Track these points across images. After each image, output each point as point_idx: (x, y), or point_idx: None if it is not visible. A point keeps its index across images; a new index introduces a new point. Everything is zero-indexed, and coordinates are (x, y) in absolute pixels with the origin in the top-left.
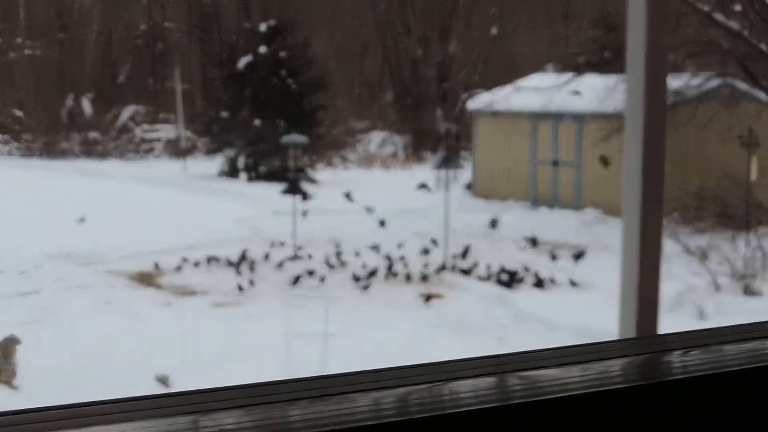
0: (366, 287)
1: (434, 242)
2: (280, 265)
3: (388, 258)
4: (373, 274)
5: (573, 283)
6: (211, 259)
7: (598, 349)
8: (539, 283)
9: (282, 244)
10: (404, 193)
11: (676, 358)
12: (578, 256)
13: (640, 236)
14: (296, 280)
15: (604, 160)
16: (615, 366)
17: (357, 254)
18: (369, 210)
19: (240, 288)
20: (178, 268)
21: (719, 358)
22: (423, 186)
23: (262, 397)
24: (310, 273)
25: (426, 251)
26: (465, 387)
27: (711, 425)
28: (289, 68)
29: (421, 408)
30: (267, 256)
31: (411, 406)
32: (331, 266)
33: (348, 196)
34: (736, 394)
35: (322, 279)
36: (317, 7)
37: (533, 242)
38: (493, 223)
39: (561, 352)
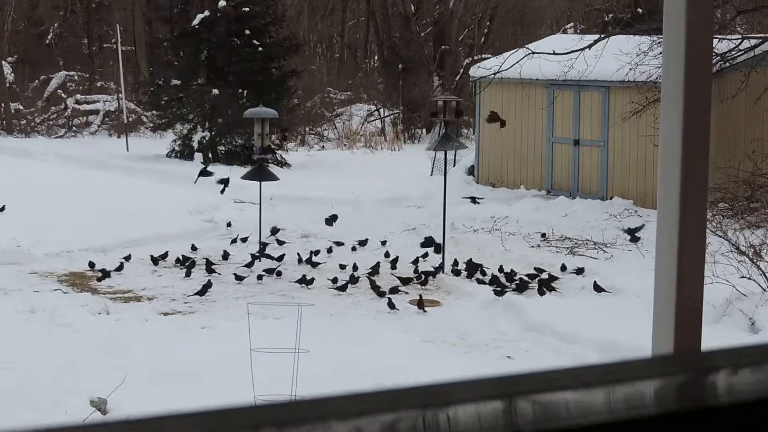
0: (342, 289)
1: (430, 241)
2: (242, 265)
3: (375, 258)
4: (356, 278)
5: (597, 288)
6: (158, 258)
7: (627, 368)
8: (555, 288)
9: (245, 239)
10: (394, 178)
11: (722, 379)
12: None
13: (679, 231)
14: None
15: (495, 119)
16: (648, 389)
17: (330, 251)
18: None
19: (200, 294)
20: (119, 269)
21: None
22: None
23: (221, 424)
24: (278, 274)
25: (424, 253)
26: (466, 413)
27: None
28: (253, 26)
29: None
30: (226, 255)
31: None
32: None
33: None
34: None
35: (307, 281)
36: None
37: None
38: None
39: (582, 372)
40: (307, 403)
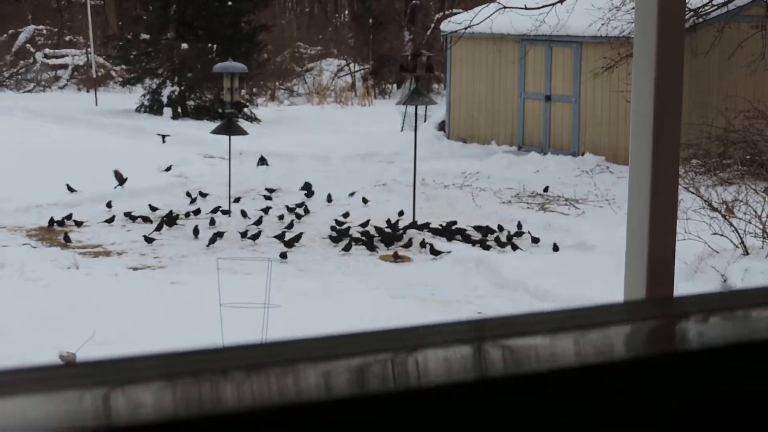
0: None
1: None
2: (212, 222)
3: (344, 215)
4: (337, 236)
5: (570, 245)
6: (127, 214)
7: (596, 313)
8: (527, 244)
9: (213, 195)
10: (364, 133)
11: (692, 324)
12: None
13: (650, 188)
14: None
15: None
16: (617, 334)
17: (307, 211)
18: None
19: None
20: (88, 224)
21: (746, 325)
22: None
23: (187, 366)
24: (243, 234)
25: (390, 205)
26: (434, 357)
27: (734, 405)
28: None
29: (381, 381)
30: (198, 211)
31: (368, 379)
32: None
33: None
34: (766, 368)
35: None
36: None
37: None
38: None
39: (551, 317)
40: (275, 346)
